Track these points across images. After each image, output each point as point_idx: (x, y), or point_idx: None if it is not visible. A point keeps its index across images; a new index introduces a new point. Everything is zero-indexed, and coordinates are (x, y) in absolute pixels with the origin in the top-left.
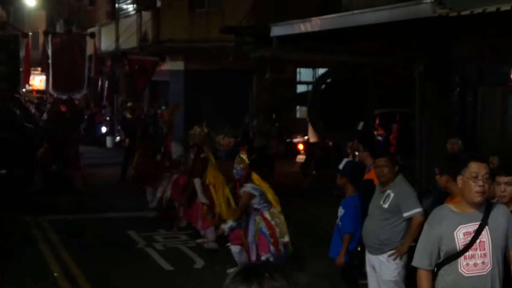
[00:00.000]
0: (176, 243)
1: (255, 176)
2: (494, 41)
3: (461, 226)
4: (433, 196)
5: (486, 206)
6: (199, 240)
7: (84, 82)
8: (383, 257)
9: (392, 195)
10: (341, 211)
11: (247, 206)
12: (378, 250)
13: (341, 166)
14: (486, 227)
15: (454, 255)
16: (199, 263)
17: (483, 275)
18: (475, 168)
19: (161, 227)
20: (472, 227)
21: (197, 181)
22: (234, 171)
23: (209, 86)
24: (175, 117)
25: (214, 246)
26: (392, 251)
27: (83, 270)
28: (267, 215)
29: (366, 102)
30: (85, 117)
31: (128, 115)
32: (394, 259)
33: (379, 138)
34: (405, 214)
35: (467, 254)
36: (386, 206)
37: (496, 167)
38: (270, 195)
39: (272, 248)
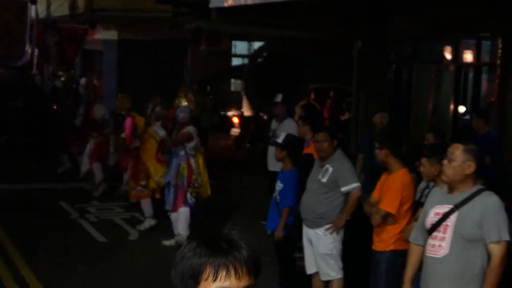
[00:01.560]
0: (110, 214)
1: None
2: (429, 19)
3: (437, 205)
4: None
5: (473, 193)
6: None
7: (24, 50)
8: (320, 231)
9: (330, 169)
10: (279, 185)
11: (180, 145)
12: (315, 224)
13: (280, 140)
14: (457, 212)
15: (427, 233)
16: (134, 234)
17: (436, 258)
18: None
19: (94, 199)
20: (444, 209)
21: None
22: (182, 114)
23: (143, 57)
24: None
25: (149, 224)
26: (329, 225)
27: (14, 242)
28: (192, 163)
29: (301, 77)
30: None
31: (59, 84)
32: (331, 233)
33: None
34: (343, 189)
35: (433, 234)
36: (324, 180)
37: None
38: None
39: (189, 196)
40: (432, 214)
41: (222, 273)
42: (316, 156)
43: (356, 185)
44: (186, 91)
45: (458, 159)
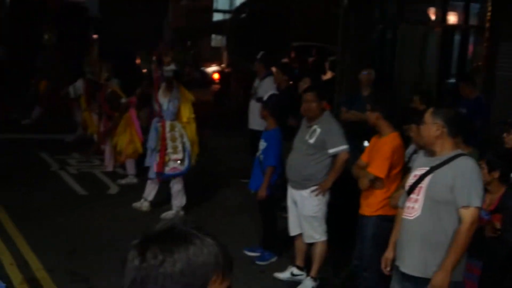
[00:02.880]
0: (90, 167)
1: (183, 88)
2: None
3: (418, 168)
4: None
5: (451, 157)
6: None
7: None
8: (305, 192)
9: (318, 130)
10: (263, 144)
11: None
12: (301, 185)
13: (265, 98)
14: (431, 174)
15: (406, 195)
16: (113, 188)
17: (408, 220)
18: None
19: (75, 151)
20: (422, 171)
21: None
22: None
23: (124, 10)
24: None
25: (131, 181)
26: (315, 187)
27: None
28: (167, 125)
29: (284, 35)
30: None
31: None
32: (316, 195)
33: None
34: (331, 151)
35: (410, 196)
36: (312, 141)
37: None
38: (187, 108)
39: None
40: (412, 176)
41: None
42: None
43: (344, 147)
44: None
45: (427, 121)
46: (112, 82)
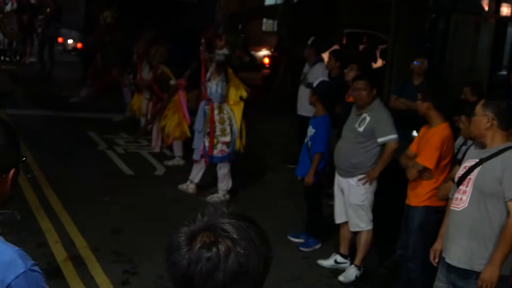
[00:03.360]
0: (138, 148)
1: (230, 71)
2: None
3: (469, 159)
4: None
5: (501, 149)
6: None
7: None
8: (353, 181)
9: (368, 119)
10: (311, 130)
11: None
12: (349, 173)
13: (315, 84)
14: (480, 166)
15: (456, 186)
16: (160, 170)
17: (456, 211)
18: None
19: (123, 131)
20: (472, 162)
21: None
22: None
23: None
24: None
25: (178, 162)
26: (363, 175)
27: (43, 169)
28: (215, 107)
29: (336, 20)
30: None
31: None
32: (364, 184)
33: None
34: (380, 140)
35: (459, 187)
36: (361, 129)
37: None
38: (233, 90)
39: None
40: (462, 168)
41: None
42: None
43: (393, 136)
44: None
45: (477, 113)
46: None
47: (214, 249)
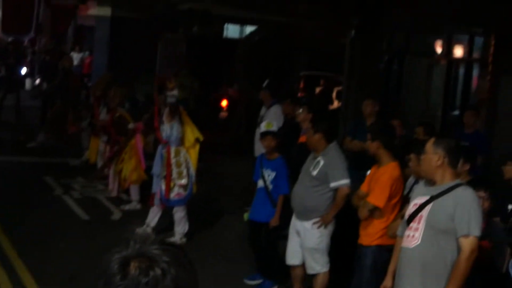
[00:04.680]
0: (94, 192)
1: (184, 113)
2: (422, 12)
3: (418, 196)
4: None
5: (451, 186)
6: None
7: (32, 25)
8: (308, 224)
9: (322, 162)
10: (271, 174)
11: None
12: (304, 216)
13: (275, 128)
14: (432, 203)
15: (406, 224)
16: (117, 214)
17: (408, 249)
18: None
19: (80, 175)
20: (422, 199)
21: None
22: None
23: (136, 35)
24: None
25: (135, 207)
26: (317, 219)
27: None
28: (172, 151)
29: (293, 63)
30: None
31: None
32: (318, 227)
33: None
34: (332, 185)
35: (410, 224)
36: (314, 173)
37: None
38: (189, 132)
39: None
40: (412, 205)
41: None
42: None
43: (345, 181)
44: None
45: (428, 151)
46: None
47: (151, 273)
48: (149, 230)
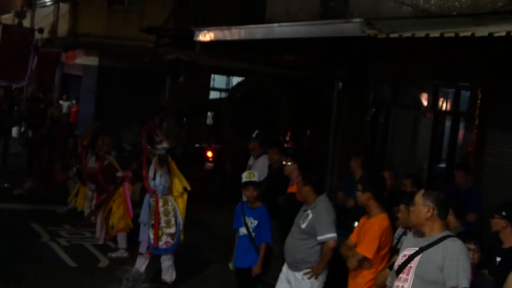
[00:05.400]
0: (81, 239)
1: (172, 161)
2: (409, 65)
3: (407, 248)
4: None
5: (440, 238)
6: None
7: (26, 73)
8: (299, 275)
9: (310, 215)
10: (253, 222)
11: (155, 167)
12: (294, 267)
13: (256, 178)
14: (421, 254)
15: (395, 274)
16: (104, 262)
17: None
18: None
19: (67, 222)
20: (411, 251)
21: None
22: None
23: (122, 84)
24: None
25: (122, 255)
26: (308, 270)
27: None
28: (160, 200)
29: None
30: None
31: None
32: (309, 278)
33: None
34: (319, 238)
35: (399, 275)
36: (303, 226)
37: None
38: (177, 181)
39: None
40: (401, 256)
41: None
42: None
43: (331, 235)
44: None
45: (418, 203)
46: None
47: None
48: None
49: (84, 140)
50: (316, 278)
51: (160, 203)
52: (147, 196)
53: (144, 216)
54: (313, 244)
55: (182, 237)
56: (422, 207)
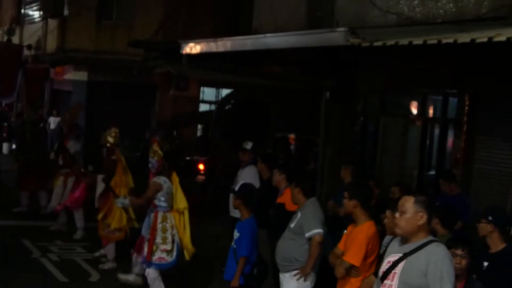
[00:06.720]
0: (72, 255)
1: (175, 175)
2: (396, 73)
3: (392, 254)
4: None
5: (424, 243)
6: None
7: (15, 90)
8: (289, 275)
9: (299, 215)
10: (236, 234)
11: (151, 197)
12: (284, 268)
13: (236, 188)
14: (405, 260)
15: (380, 281)
16: (95, 276)
17: None
18: None
19: (58, 238)
20: (395, 257)
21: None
22: (150, 165)
23: (112, 99)
24: (76, 118)
25: (112, 266)
26: (297, 271)
27: None
28: (159, 216)
29: (268, 125)
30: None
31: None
32: (298, 279)
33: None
34: (306, 235)
35: (384, 282)
36: (292, 225)
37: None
38: (179, 199)
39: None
40: (385, 262)
41: None
42: (288, 205)
43: (317, 230)
44: (155, 141)
45: (410, 211)
46: None
47: None
48: (139, 278)
49: (66, 115)
50: (305, 279)
51: (159, 219)
52: (149, 209)
53: (145, 229)
54: (302, 243)
55: (187, 256)
56: (415, 214)
